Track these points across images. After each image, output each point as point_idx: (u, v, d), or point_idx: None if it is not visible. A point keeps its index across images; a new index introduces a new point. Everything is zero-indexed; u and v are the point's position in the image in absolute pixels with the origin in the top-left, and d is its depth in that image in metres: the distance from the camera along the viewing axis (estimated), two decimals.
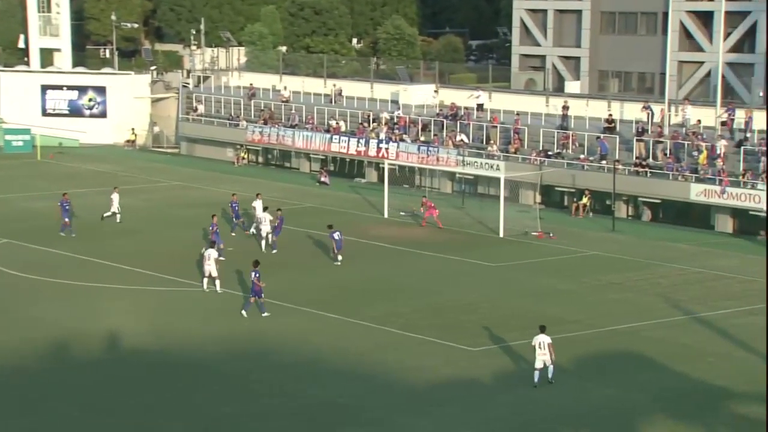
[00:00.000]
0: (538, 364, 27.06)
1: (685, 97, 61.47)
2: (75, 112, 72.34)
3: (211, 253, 35.58)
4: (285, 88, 67.76)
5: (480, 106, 58.96)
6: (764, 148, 47.43)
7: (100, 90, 72.59)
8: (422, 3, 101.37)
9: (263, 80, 71.22)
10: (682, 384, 27.46)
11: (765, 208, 45.14)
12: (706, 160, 48.38)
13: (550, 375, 27.15)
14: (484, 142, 55.83)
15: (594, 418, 25.31)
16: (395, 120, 60.02)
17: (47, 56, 76.83)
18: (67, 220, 43.61)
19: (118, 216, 46.44)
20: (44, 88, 72.32)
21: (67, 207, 43.74)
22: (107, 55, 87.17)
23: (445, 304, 34.53)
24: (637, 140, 51.31)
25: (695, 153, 49.13)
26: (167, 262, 39.30)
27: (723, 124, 51.15)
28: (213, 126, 67.72)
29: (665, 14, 63.65)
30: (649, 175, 49.54)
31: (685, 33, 67.08)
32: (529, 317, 32.28)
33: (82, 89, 72.50)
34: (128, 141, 71.29)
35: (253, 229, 43.05)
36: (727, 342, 31.06)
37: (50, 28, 76.55)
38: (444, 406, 25.94)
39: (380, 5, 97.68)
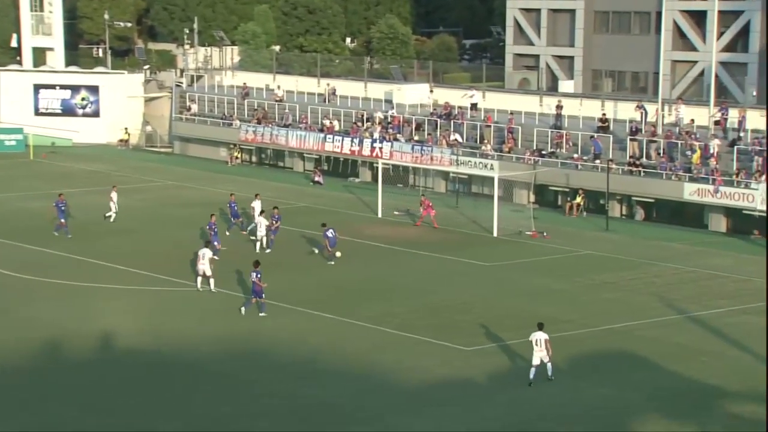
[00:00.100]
0: (535, 361, 27.14)
1: (679, 96, 61.54)
2: (68, 111, 72.23)
3: (206, 253, 35.58)
4: (278, 87, 67.72)
5: (474, 106, 59.02)
6: (758, 148, 47.55)
7: (93, 89, 72.48)
8: (416, 2, 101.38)
9: (257, 79, 71.18)
10: (676, 383, 27.53)
11: (758, 207, 45.29)
12: (699, 160, 48.48)
13: (549, 372, 27.21)
14: (478, 142, 55.88)
15: (588, 418, 25.36)
16: (389, 119, 60.03)
17: (40, 55, 76.68)
18: (62, 220, 43.51)
19: (113, 215, 46.39)
20: (37, 88, 72.19)
21: (62, 208, 43.65)
22: (100, 55, 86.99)
23: (439, 304, 34.57)
24: (631, 140, 51.41)
25: (689, 152, 49.24)
26: (162, 262, 39.28)
27: (716, 123, 51.27)
28: (206, 125, 67.67)
29: (659, 14, 63.64)
30: (642, 174, 49.63)
31: (679, 32, 67.19)
32: (523, 317, 32.33)
33: (75, 88, 72.39)
34: (121, 140, 71.20)
35: (250, 228, 42.98)
36: (720, 341, 31.15)
37: (43, 27, 76.40)
38: (439, 405, 25.97)
39: (374, 4, 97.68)
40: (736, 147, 48.35)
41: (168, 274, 37.72)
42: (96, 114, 72.33)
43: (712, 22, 58.39)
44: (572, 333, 31.00)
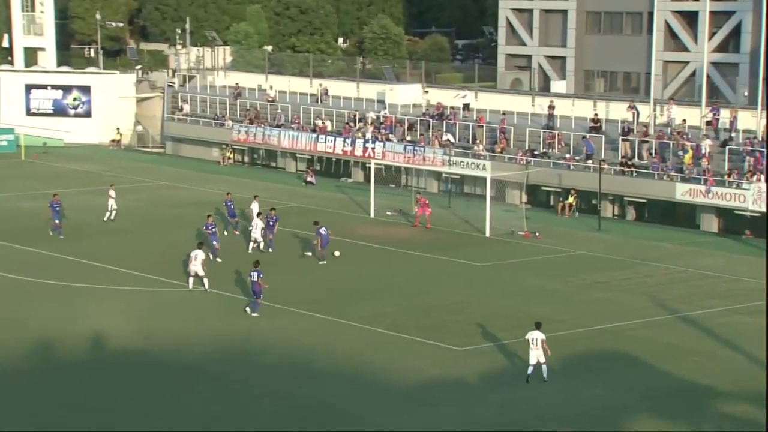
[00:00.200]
0: (532, 360, 27.18)
1: (671, 96, 61.63)
2: (59, 111, 72.07)
3: (198, 254, 35.49)
4: (271, 87, 67.66)
5: (466, 106, 59.03)
6: (749, 148, 47.65)
7: (85, 89, 72.34)
8: (408, 2, 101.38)
9: (249, 80, 71.12)
10: (668, 383, 27.56)
11: (749, 207, 45.39)
12: (691, 160, 48.56)
13: (544, 374, 27.21)
14: (471, 142, 55.89)
15: (581, 418, 25.37)
16: (381, 120, 60.03)
17: (31, 55, 76.49)
18: (56, 221, 43.36)
19: (107, 214, 46.31)
20: (28, 88, 72.03)
21: (57, 208, 43.49)
22: (92, 55, 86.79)
23: (431, 304, 34.56)
24: (623, 140, 51.47)
25: (680, 153, 49.31)
26: (155, 263, 39.21)
27: (708, 123, 51.36)
28: (198, 126, 67.59)
29: (650, 14, 63.75)
30: (634, 174, 49.70)
31: (670, 33, 67.29)
32: (516, 317, 32.36)
33: (66, 89, 72.24)
34: (113, 141, 71.07)
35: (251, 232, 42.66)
36: (712, 341, 31.19)
37: (34, 27, 76.21)
38: (431, 405, 25.96)
39: (366, 5, 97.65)
40: (727, 147, 48.43)
41: (161, 274, 37.65)
42: (88, 114, 72.19)
43: (704, 23, 58.58)
44: (565, 333, 31.01)
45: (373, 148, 57.34)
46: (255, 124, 63.88)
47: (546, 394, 26.65)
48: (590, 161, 51.09)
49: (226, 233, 43.26)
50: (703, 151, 48.59)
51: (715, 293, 36.53)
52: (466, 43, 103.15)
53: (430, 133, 57.29)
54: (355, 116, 61.12)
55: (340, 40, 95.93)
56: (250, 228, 42.03)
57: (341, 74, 75.00)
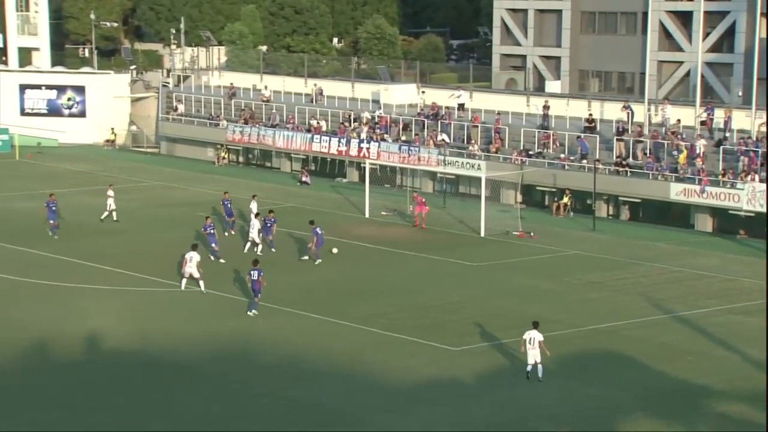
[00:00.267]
0: (530, 360, 27.21)
1: (665, 96, 61.77)
2: (54, 111, 71.97)
3: (193, 256, 35.39)
4: (266, 87, 67.66)
5: (461, 106, 59.07)
6: (743, 148, 47.72)
7: (79, 89, 72.25)
8: (403, 2, 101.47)
9: (244, 80, 71.10)
10: (662, 383, 27.59)
11: (743, 207, 45.47)
12: (685, 160, 48.64)
13: (539, 374, 27.25)
14: (465, 142, 55.93)
15: (576, 417, 25.40)
16: (376, 120, 60.03)
17: (26, 55, 76.40)
18: (51, 221, 43.25)
19: (105, 213, 46.29)
20: (23, 88, 71.92)
21: (53, 208, 43.41)
22: (86, 55, 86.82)
23: (427, 304, 34.57)
24: (617, 140, 51.54)
25: (675, 152, 49.38)
26: (150, 263, 39.16)
27: (702, 123, 51.44)
28: (193, 126, 67.55)
29: (645, 14, 63.94)
30: (629, 174, 49.76)
31: (665, 33, 67.42)
32: (511, 317, 32.39)
33: (61, 89, 72.15)
34: (108, 141, 71.00)
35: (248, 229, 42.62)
36: (707, 341, 31.24)
37: (29, 27, 76.12)
38: (427, 405, 25.98)
39: (361, 5, 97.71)
40: (722, 147, 48.51)
41: (156, 274, 37.61)
42: (82, 114, 72.11)
43: (698, 23, 58.59)
44: (559, 333, 31.02)
45: (368, 148, 57.34)
46: (250, 124, 63.86)
47: (541, 393, 26.67)
48: (585, 161, 51.14)
49: (226, 234, 43.21)
50: (698, 151, 48.67)
51: (710, 293, 36.59)
52: (460, 43, 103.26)
53: (425, 133, 57.32)
54: (350, 116, 61.12)
55: (335, 40, 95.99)
56: (247, 228, 42.00)
57: (336, 74, 75.02)
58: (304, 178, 58.23)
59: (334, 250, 40.01)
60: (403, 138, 57.83)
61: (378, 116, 60.18)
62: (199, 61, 77.92)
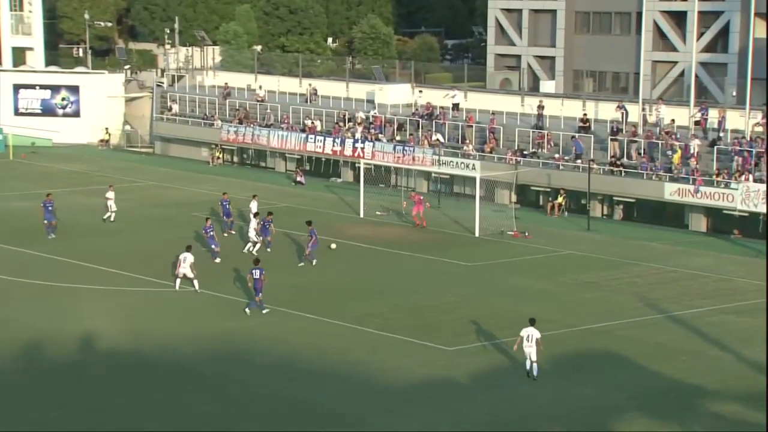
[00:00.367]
0: (527, 357, 27.20)
1: (659, 96, 61.81)
2: (48, 111, 71.89)
3: (187, 257, 35.37)
4: (260, 87, 67.60)
5: (455, 106, 59.08)
6: (737, 148, 47.80)
7: (74, 89, 72.16)
8: (398, 2, 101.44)
9: (238, 79, 71.05)
10: (657, 382, 27.63)
11: (737, 207, 45.54)
12: (680, 160, 48.70)
13: (534, 372, 27.28)
14: (460, 142, 55.94)
15: (570, 417, 25.42)
16: (371, 119, 60.03)
17: (20, 55, 76.28)
18: (46, 221, 43.13)
19: (107, 214, 46.27)
20: (17, 88, 71.82)
21: (50, 208, 43.28)
22: (80, 54, 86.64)
23: (422, 304, 34.58)
24: (612, 140, 51.59)
25: (669, 152, 49.45)
26: (145, 263, 39.12)
27: (696, 123, 51.52)
28: (188, 125, 67.48)
29: (639, 14, 63.93)
30: (623, 174, 49.81)
31: (659, 33, 67.48)
32: (506, 317, 32.41)
33: (55, 88, 72.05)
34: (102, 141, 70.91)
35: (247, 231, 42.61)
36: (701, 340, 31.29)
37: (23, 27, 75.99)
38: (422, 405, 25.98)
39: (356, 4, 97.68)
40: (716, 147, 48.58)
41: (150, 275, 37.58)
42: (76, 114, 72.02)
43: (693, 23, 58.68)
44: (554, 333, 31.04)
45: (362, 148, 57.33)
46: (244, 124, 63.81)
47: (536, 393, 26.69)
48: (579, 161, 51.19)
49: (225, 234, 43.16)
50: (692, 151, 48.74)
51: (704, 293, 36.64)
52: (455, 43, 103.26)
53: (420, 133, 57.33)
54: (344, 116, 61.11)
55: (330, 39, 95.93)
56: (246, 228, 41.95)
57: (331, 74, 74.99)
58: (298, 178, 58.21)
59: (332, 246, 39.98)
60: (398, 138, 57.83)
61: (372, 116, 60.18)
62: (194, 61, 77.83)
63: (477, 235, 44.95)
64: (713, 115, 51.20)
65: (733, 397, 26.39)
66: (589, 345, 30.81)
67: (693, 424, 25.10)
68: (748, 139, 48.46)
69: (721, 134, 49.93)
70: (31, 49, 76.11)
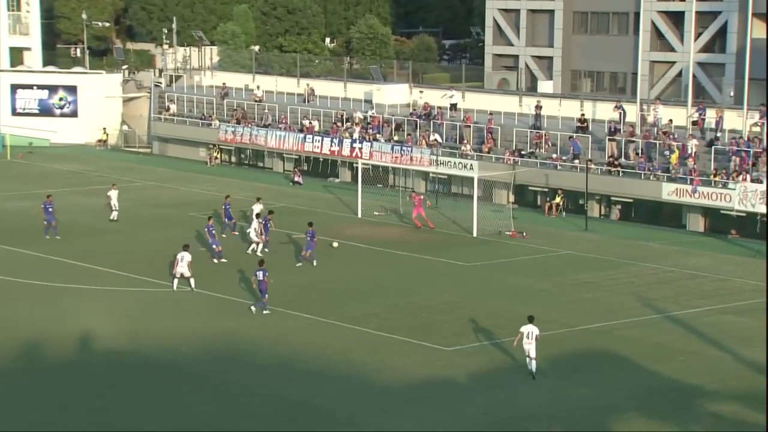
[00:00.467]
0: (527, 354, 27.25)
1: (657, 96, 61.90)
2: (45, 111, 71.88)
3: (184, 256, 35.40)
4: (258, 87, 67.60)
5: (453, 106, 59.11)
6: (735, 148, 47.87)
7: (71, 89, 72.16)
8: (395, 2, 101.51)
9: (236, 80, 71.05)
10: (655, 382, 27.67)
11: (735, 207, 45.62)
12: (677, 160, 48.76)
13: (533, 370, 27.32)
14: (458, 142, 55.98)
15: (569, 417, 25.45)
16: (369, 119, 60.05)
17: (17, 55, 76.29)
18: (45, 222, 43.12)
19: (112, 213, 46.28)
20: (14, 88, 71.81)
21: (50, 209, 43.24)
22: (78, 54, 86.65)
23: (420, 304, 34.61)
24: (610, 140, 51.64)
25: (667, 152, 49.51)
26: (142, 263, 39.13)
27: (694, 123, 51.57)
28: (185, 125, 67.48)
29: (636, 14, 64.02)
30: (621, 174, 49.87)
31: (657, 33, 67.56)
32: (504, 317, 32.45)
33: (52, 88, 72.05)
34: (100, 141, 70.91)
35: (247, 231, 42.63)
36: (699, 340, 31.34)
37: (20, 27, 75.99)
38: (420, 405, 26.01)
39: (353, 4, 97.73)
40: (713, 147, 48.65)
41: (149, 275, 37.59)
42: (74, 114, 72.01)
43: (690, 23, 58.72)
44: (552, 333, 31.08)
45: (360, 148, 57.36)
46: (242, 124, 63.82)
47: (534, 393, 26.73)
48: (577, 161, 51.24)
49: (224, 235, 43.17)
50: (690, 151, 48.81)
51: (702, 293, 36.69)
52: (453, 43, 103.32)
53: (418, 133, 57.36)
54: (342, 116, 61.12)
55: (327, 40, 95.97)
56: (248, 231, 41.98)
57: (328, 74, 75.01)
58: (296, 178, 58.23)
59: (335, 244, 39.98)
60: (396, 138, 57.86)
61: (370, 116, 60.19)
62: (192, 61, 77.83)
63: (475, 235, 44.99)
64: (711, 115, 51.26)
65: (731, 397, 26.44)
66: (588, 345, 30.85)
67: (691, 423, 25.14)
68: (746, 139, 48.53)
69: (719, 134, 49.99)
70: (28, 49, 76.11)
